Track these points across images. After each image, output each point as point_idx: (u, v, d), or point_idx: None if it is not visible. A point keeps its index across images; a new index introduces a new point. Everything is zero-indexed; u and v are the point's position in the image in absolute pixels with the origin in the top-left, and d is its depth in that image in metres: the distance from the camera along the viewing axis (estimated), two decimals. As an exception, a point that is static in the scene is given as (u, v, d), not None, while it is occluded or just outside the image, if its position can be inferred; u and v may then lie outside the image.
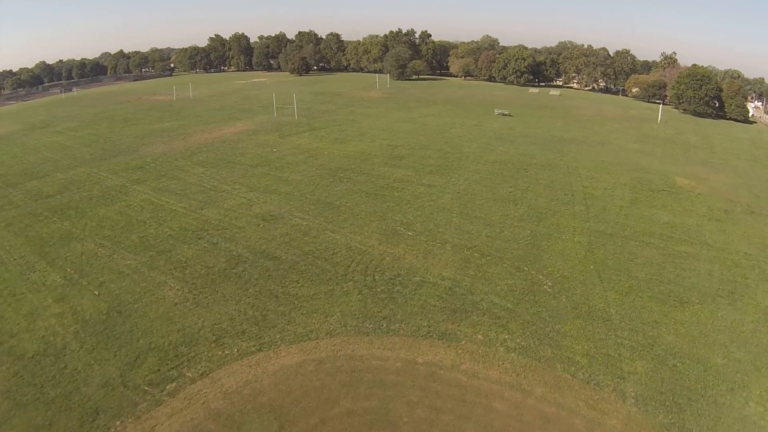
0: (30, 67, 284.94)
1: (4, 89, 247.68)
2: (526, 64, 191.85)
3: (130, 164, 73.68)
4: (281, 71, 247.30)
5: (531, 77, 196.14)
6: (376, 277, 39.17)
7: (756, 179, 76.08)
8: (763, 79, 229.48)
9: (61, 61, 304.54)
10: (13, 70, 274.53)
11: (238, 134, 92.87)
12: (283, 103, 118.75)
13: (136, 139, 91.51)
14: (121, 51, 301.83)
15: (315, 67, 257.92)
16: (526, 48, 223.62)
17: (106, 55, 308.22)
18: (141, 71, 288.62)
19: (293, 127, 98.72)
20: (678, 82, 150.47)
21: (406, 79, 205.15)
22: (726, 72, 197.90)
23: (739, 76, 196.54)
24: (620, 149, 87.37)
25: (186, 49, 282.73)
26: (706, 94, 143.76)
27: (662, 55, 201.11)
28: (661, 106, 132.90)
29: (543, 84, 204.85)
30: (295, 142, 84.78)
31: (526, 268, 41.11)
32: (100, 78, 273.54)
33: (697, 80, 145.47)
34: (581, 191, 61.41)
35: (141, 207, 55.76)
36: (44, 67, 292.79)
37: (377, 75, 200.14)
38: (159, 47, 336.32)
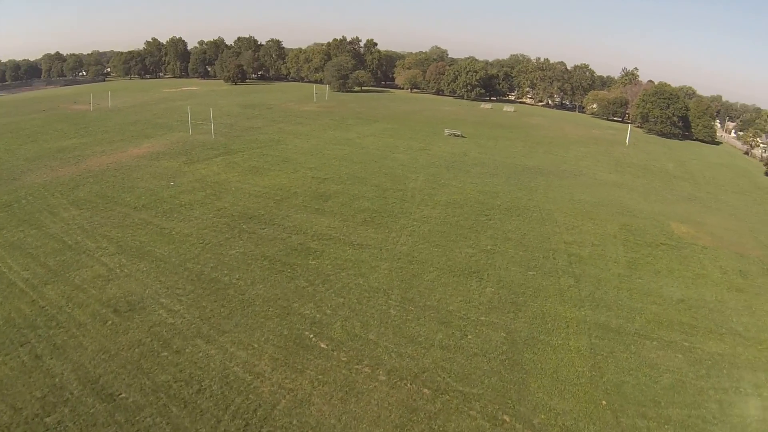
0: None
1: None
2: (477, 77, 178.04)
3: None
4: (218, 79, 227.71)
5: (482, 91, 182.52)
6: (256, 455, 22.63)
7: (755, 220, 65.13)
8: (720, 96, 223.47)
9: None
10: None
11: (140, 158, 75.36)
12: (205, 118, 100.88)
13: (26, 161, 73.40)
14: (57, 53, 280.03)
15: (254, 75, 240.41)
16: (477, 60, 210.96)
17: (47, 56, 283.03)
18: (75, 75, 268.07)
19: (206, 149, 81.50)
20: (643, 101, 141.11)
21: (347, 91, 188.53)
22: (680, 89, 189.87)
23: (694, 93, 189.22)
24: (596, 182, 73.90)
25: (121, 53, 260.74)
26: (673, 114, 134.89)
27: (623, 70, 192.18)
28: (629, 127, 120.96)
29: (495, 99, 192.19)
30: (201, 172, 67.55)
31: (507, 418, 25.31)
32: (31, 82, 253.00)
33: (664, 99, 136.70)
34: (564, 250, 46.56)
35: (-33, 279, 38.06)
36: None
37: (316, 86, 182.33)
38: (102, 50, 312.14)
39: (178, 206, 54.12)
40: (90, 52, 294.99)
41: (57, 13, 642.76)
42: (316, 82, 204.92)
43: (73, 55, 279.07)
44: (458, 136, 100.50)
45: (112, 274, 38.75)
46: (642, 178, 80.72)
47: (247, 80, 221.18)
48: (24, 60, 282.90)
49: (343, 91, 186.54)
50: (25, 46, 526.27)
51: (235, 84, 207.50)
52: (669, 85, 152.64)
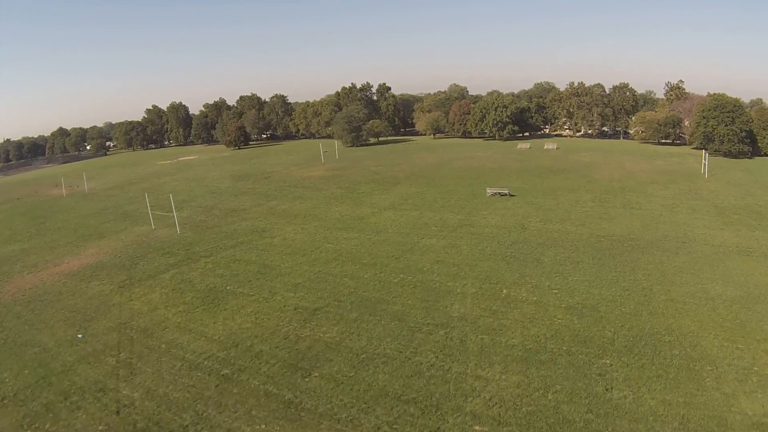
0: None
1: None
2: (508, 113, 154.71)
3: None
4: (221, 144, 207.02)
5: (515, 128, 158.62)
6: None
7: None
8: (760, 99, 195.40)
9: (8, 140, 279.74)
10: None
11: (70, 277, 54.44)
12: (183, 200, 78.74)
13: (-59, 286, 54.69)
14: (61, 128, 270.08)
15: (263, 135, 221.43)
16: (502, 94, 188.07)
17: (62, 131, 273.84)
18: (79, 151, 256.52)
19: (161, 255, 59.13)
20: (704, 117, 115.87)
21: (362, 144, 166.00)
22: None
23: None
24: (717, 252, 49.88)
25: (122, 124, 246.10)
26: (740, 129, 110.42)
27: (667, 85, 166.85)
28: (705, 154, 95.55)
29: (529, 135, 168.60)
30: (133, 307, 44.53)
31: None
32: (33, 161, 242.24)
33: (727, 113, 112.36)
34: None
35: None
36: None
37: (323, 143, 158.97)
38: (115, 121, 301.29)
39: (62, 398, 31.17)
40: (102, 125, 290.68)
41: (65, 88, 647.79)
42: (327, 137, 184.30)
43: (78, 128, 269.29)
44: (505, 195, 76.02)
45: None
46: (761, 230, 56.53)
47: (251, 142, 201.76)
48: (39, 136, 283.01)
49: (356, 146, 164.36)
50: (40, 125, 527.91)
51: (238, 148, 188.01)
52: (724, 95, 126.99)
